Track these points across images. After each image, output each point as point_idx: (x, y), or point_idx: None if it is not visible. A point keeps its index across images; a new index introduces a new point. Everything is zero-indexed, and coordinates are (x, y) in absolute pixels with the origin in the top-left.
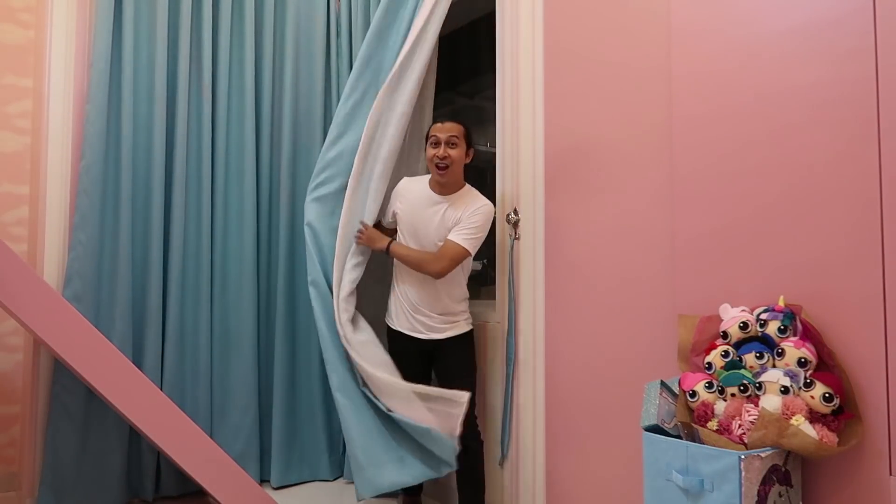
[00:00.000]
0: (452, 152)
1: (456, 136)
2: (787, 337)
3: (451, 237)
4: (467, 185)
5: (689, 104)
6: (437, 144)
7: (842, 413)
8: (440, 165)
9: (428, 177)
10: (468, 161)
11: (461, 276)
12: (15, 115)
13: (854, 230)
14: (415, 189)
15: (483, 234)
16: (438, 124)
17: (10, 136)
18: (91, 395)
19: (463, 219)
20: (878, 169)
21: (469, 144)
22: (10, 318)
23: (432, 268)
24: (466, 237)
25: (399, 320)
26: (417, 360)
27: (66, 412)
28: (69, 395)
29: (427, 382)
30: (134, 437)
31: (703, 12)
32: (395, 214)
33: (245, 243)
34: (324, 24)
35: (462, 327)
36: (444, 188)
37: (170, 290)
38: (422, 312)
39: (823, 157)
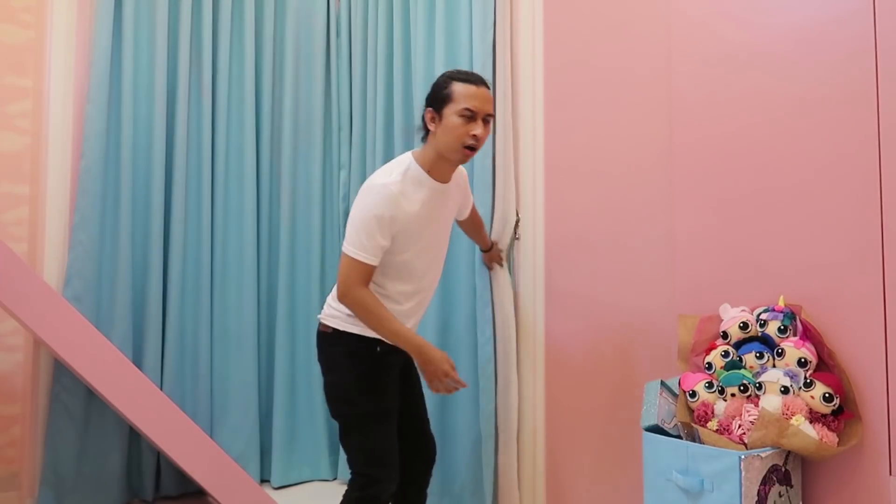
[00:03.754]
0: (485, 133)
1: (492, 111)
2: (787, 337)
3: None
4: None
5: (688, 104)
6: (471, 118)
7: (842, 413)
8: (473, 147)
9: (407, 164)
10: None
11: None
12: (15, 115)
13: (854, 230)
14: (415, 193)
15: None
16: (472, 87)
17: (10, 136)
18: (91, 395)
19: (465, 191)
20: (878, 169)
21: None
22: (10, 318)
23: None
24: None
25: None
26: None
27: (66, 412)
28: (69, 395)
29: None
30: (134, 437)
31: (703, 12)
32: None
33: (245, 243)
34: (324, 24)
35: None
36: (452, 172)
37: (170, 290)
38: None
39: (823, 156)
